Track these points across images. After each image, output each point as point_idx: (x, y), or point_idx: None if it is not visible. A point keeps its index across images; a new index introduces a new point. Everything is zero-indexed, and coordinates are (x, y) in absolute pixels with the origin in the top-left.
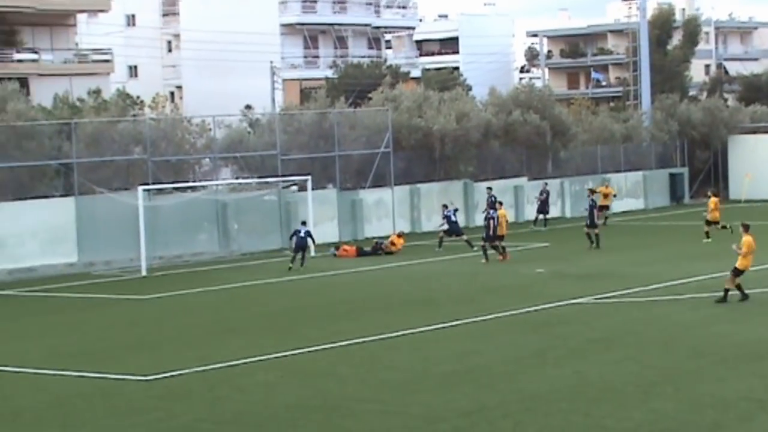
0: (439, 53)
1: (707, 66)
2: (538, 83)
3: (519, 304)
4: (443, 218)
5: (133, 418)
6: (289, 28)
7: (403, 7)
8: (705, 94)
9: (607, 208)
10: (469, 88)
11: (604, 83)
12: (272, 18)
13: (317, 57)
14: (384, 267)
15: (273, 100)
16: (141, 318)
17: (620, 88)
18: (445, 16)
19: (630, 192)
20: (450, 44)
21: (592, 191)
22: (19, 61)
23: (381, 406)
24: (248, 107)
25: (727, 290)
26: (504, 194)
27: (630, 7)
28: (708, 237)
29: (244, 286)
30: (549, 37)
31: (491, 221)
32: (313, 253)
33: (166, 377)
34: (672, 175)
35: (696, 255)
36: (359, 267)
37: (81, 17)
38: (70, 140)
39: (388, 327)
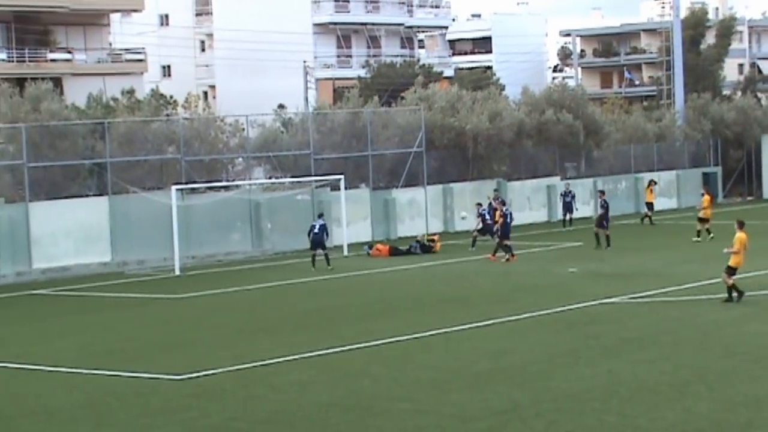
0: (472, 53)
1: (740, 65)
2: (571, 82)
3: (552, 304)
4: (478, 217)
5: (166, 417)
6: (322, 28)
7: (436, 7)
8: (738, 93)
9: (651, 206)
10: (502, 88)
11: (637, 82)
12: (305, 17)
13: (350, 56)
14: (417, 266)
15: (306, 100)
16: (174, 317)
17: (653, 88)
18: (478, 16)
19: (663, 191)
20: (483, 44)
21: (603, 192)
22: (53, 60)
23: (414, 405)
24: (281, 107)
25: (729, 288)
26: (537, 193)
27: (663, 6)
28: (699, 236)
29: (277, 286)
30: (582, 37)
31: (505, 218)
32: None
33: (199, 376)
34: (705, 175)
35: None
36: (392, 266)
37: (114, 17)
38: (103, 140)
39: (422, 326)
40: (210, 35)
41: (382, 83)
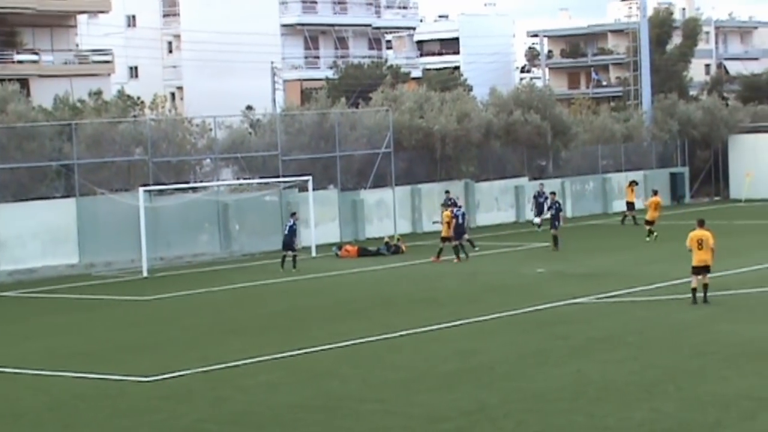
0: (440, 53)
1: (707, 66)
2: (539, 83)
3: (521, 304)
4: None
5: (135, 419)
6: (289, 29)
7: (404, 8)
8: (705, 93)
9: (632, 206)
10: (470, 89)
11: (604, 83)
12: (273, 18)
13: (318, 57)
14: (386, 267)
15: (274, 101)
16: (142, 319)
17: (621, 88)
18: (446, 17)
19: None
20: (451, 44)
21: (554, 194)
22: (20, 62)
23: (383, 406)
24: (249, 108)
25: (694, 290)
26: (505, 194)
27: (630, 7)
28: (650, 236)
29: (246, 287)
30: (549, 37)
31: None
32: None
33: (168, 378)
34: (672, 175)
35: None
36: (361, 267)
37: (81, 18)
38: (70, 141)
39: (391, 327)
40: (177, 36)
41: (349, 84)
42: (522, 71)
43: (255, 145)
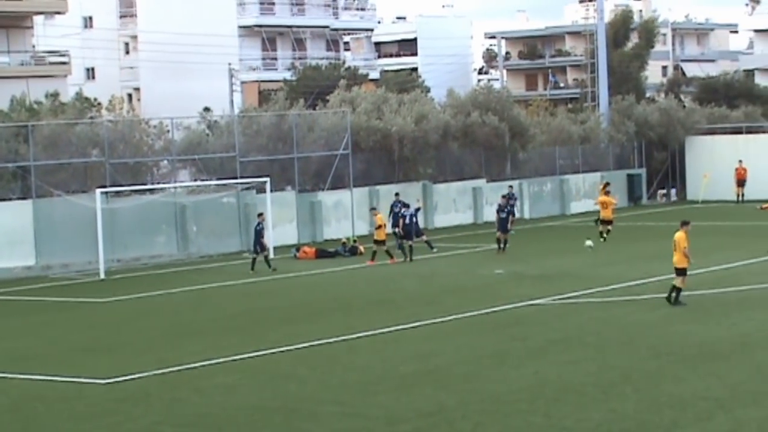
0: (398, 55)
1: (664, 67)
2: (497, 85)
3: (478, 305)
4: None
5: (92, 421)
6: (247, 30)
7: (362, 9)
8: (662, 95)
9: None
10: (428, 90)
11: (561, 85)
12: (230, 20)
13: (275, 59)
14: (344, 269)
15: (231, 102)
16: (99, 321)
17: (578, 90)
18: (404, 18)
19: (588, 193)
20: (408, 46)
21: (504, 196)
22: None
23: (341, 408)
24: (207, 109)
25: (679, 290)
26: (463, 195)
27: (587, 9)
28: (601, 236)
29: (203, 289)
30: (507, 39)
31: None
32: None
33: (124, 380)
34: (630, 176)
35: (653, 255)
36: (319, 269)
37: (37, 19)
38: (27, 143)
39: (348, 328)
40: (134, 37)
41: (307, 86)
42: (480, 73)
43: (212, 147)
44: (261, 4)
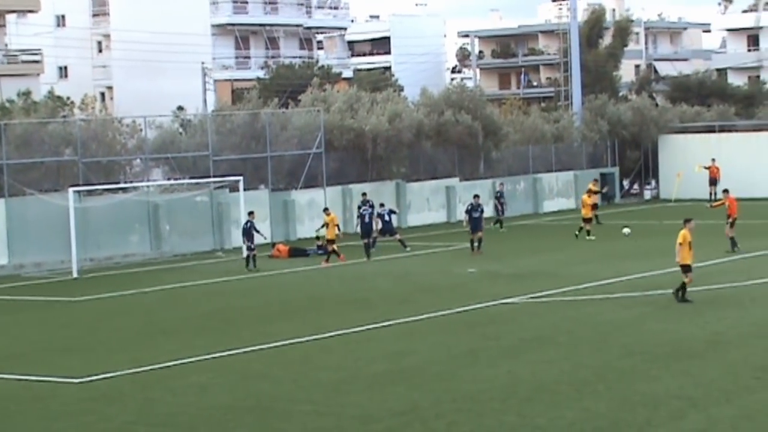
0: (371, 54)
1: (637, 66)
2: (470, 83)
3: (451, 304)
4: (377, 218)
5: (65, 421)
6: (220, 29)
7: (335, 8)
8: (633, 93)
9: (595, 206)
10: (401, 89)
11: (535, 84)
12: (203, 18)
13: (248, 57)
14: (316, 268)
15: (204, 101)
16: (72, 320)
17: (551, 89)
18: (377, 17)
19: (561, 192)
20: (382, 45)
21: (477, 196)
22: None
23: (314, 407)
24: (180, 108)
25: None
26: (436, 194)
27: (560, 8)
28: (587, 233)
29: (176, 288)
30: (480, 38)
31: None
32: (245, 253)
33: (97, 380)
34: (603, 175)
35: (626, 254)
36: (292, 268)
37: (10, 17)
38: None
39: (321, 328)
40: (107, 36)
41: (281, 84)
42: (453, 72)
43: (186, 146)
44: (234, 2)
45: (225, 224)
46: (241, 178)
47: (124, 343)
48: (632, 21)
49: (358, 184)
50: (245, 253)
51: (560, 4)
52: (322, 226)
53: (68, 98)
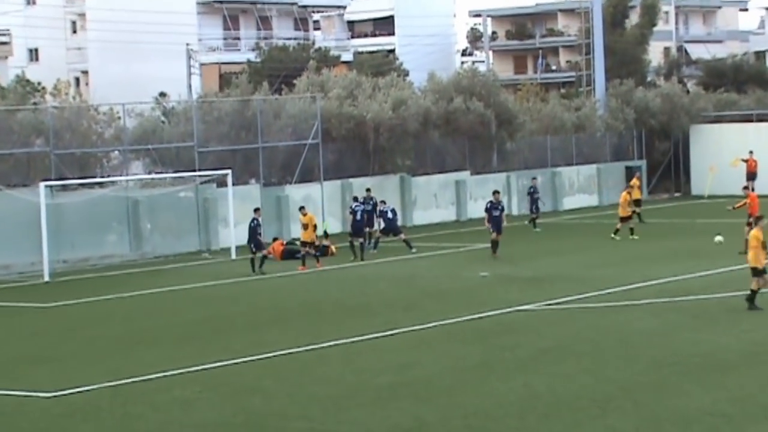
0: (373, 35)
1: (667, 48)
2: (482, 67)
3: (462, 311)
4: (378, 216)
5: None
6: (206, 7)
7: None
8: (661, 78)
9: (638, 201)
10: (406, 73)
11: (553, 68)
12: None
13: (238, 39)
14: (313, 271)
15: (189, 87)
16: (43, 328)
17: (572, 73)
18: None
19: (582, 187)
20: (385, 25)
21: (497, 192)
22: None
23: (310, 424)
24: (162, 94)
25: (754, 293)
26: (445, 190)
27: None
28: (631, 232)
29: (159, 293)
30: (493, 17)
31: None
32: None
33: (71, 393)
34: (628, 169)
35: (655, 256)
36: (285, 271)
37: None
38: None
39: (318, 337)
40: (82, 15)
41: (273, 68)
42: (463, 54)
43: (168, 136)
44: None
45: (212, 223)
46: (229, 171)
47: (100, 354)
48: None
49: (358, 178)
50: (259, 255)
51: None
52: (306, 228)
53: (39, 83)
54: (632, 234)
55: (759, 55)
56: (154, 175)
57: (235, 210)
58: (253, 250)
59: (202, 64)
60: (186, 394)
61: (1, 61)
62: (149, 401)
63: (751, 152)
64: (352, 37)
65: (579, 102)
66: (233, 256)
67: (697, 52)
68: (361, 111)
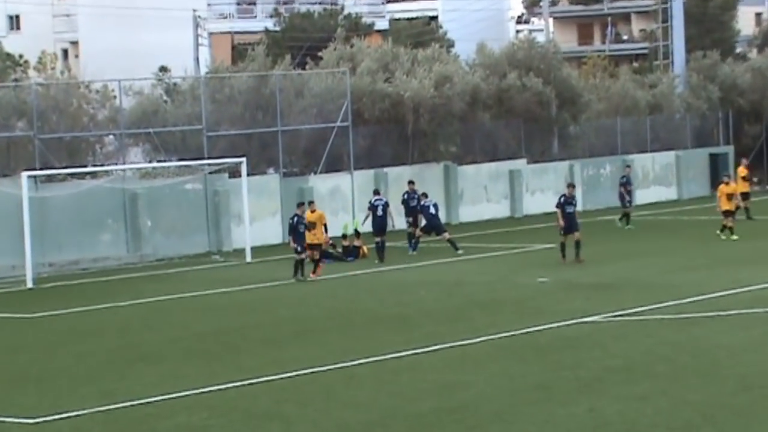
0: None
1: (758, 15)
2: (540, 37)
3: (516, 324)
4: (419, 211)
5: None
6: None
7: None
8: (754, 51)
9: (747, 195)
10: (451, 44)
11: (625, 37)
12: None
13: (254, 4)
14: (341, 276)
15: (197, 60)
16: (26, 343)
17: (646, 45)
18: None
19: (659, 178)
20: None
21: (572, 185)
22: None
23: None
24: (164, 69)
25: None
26: (496, 181)
27: None
28: (731, 232)
29: (161, 301)
30: None
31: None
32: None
33: (59, 419)
34: (713, 156)
35: (744, 259)
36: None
37: None
38: None
39: (348, 353)
40: None
41: (295, 39)
42: (518, 22)
43: (172, 118)
44: None
45: (223, 219)
46: (243, 159)
47: (93, 373)
48: None
49: (394, 167)
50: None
51: None
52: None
53: (21, 56)
54: (731, 233)
55: None
56: (155, 164)
57: (250, 205)
58: (298, 250)
59: (211, 34)
60: (192, 421)
61: None
62: (149, 428)
63: None
64: (388, 1)
65: (654, 78)
66: (248, 259)
67: None
68: (398, 89)
